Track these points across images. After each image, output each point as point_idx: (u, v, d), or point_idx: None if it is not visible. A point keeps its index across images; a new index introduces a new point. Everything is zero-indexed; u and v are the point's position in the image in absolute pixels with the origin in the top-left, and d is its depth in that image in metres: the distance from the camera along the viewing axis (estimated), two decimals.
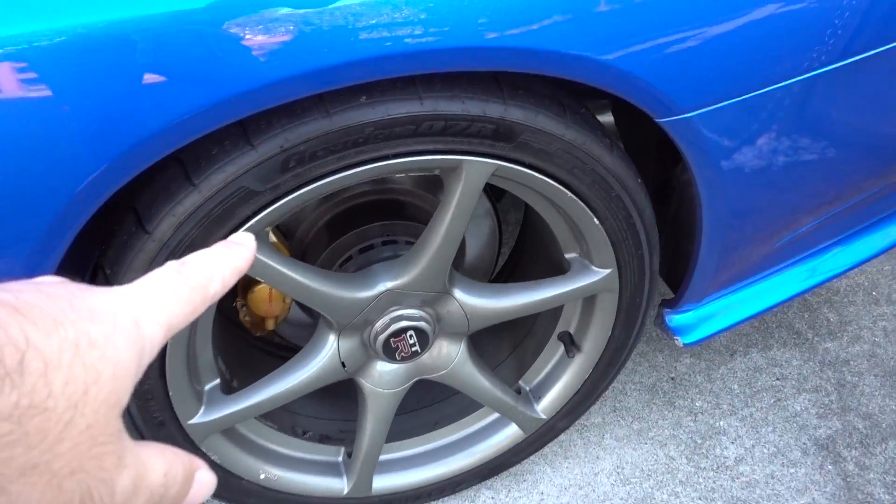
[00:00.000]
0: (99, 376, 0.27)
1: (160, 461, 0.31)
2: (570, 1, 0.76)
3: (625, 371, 1.57)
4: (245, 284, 1.11)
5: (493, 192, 1.27)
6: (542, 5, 0.76)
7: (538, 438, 1.28)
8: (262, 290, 1.10)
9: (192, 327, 0.98)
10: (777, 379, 1.58)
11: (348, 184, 0.87)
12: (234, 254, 0.37)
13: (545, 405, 1.24)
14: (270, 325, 1.16)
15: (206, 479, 0.34)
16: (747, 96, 0.93)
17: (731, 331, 1.66)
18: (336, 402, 1.30)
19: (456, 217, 0.93)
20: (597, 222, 1.01)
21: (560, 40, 0.79)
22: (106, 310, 0.29)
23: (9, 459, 0.24)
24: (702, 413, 1.51)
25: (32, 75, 0.64)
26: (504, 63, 0.80)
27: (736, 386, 1.56)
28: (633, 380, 1.56)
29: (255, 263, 0.90)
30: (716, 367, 1.60)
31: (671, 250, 1.25)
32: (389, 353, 1.06)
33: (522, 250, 1.37)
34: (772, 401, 1.54)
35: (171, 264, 0.35)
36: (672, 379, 1.57)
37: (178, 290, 0.33)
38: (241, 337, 1.28)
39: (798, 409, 1.52)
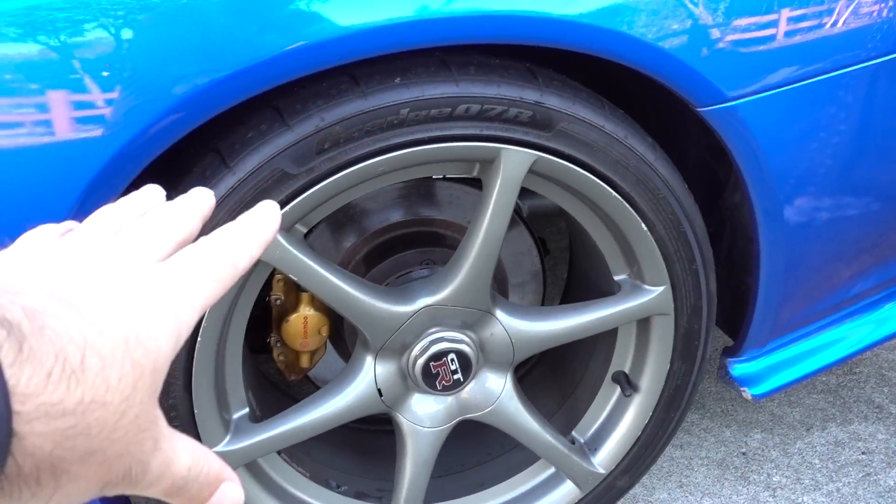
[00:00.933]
0: (143, 371, 0.29)
1: (187, 455, 0.32)
2: None
3: (690, 447, 1.44)
4: (279, 315, 1.07)
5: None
6: None
7: (597, 499, 1.15)
8: (296, 321, 1.06)
9: (219, 348, 0.93)
10: (862, 453, 1.42)
11: (384, 170, 0.85)
12: (261, 225, 0.37)
13: (602, 457, 1.13)
14: (305, 361, 1.10)
15: (230, 493, 0.34)
16: (806, 82, 0.91)
17: (805, 406, 1.52)
18: (375, 460, 1.20)
19: (495, 215, 0.90)
20: (644, 228, 0.96)
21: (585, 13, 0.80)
22: (148, 301, 0.31)
23: (72, 448, 0.27)
24: (781, 488, 1.35)
25: None
26: (547, 36, 0.80)
27: (817, 460, 1.40)
28: (700, 455, 1.42)
29: (294, 264, 0.87)
30: (792, 441, 1.45)
31: (728, 296, 1.18)
32: (429, 380, 0.99)
33: (569, 287, 1.31)
34: (860, 475, 1.37)
35: (202, 241, 0.35)
36: (743, 454, 1.42)
37: (210, 268, 0.34)
38: (276, 387, 1.22)
39: (892, 483, 1.35)
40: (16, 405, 0.25)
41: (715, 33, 0.86)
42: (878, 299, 1.32)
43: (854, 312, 1.29)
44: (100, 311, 0.28)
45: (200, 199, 0.38)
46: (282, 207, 0.83)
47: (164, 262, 0.33)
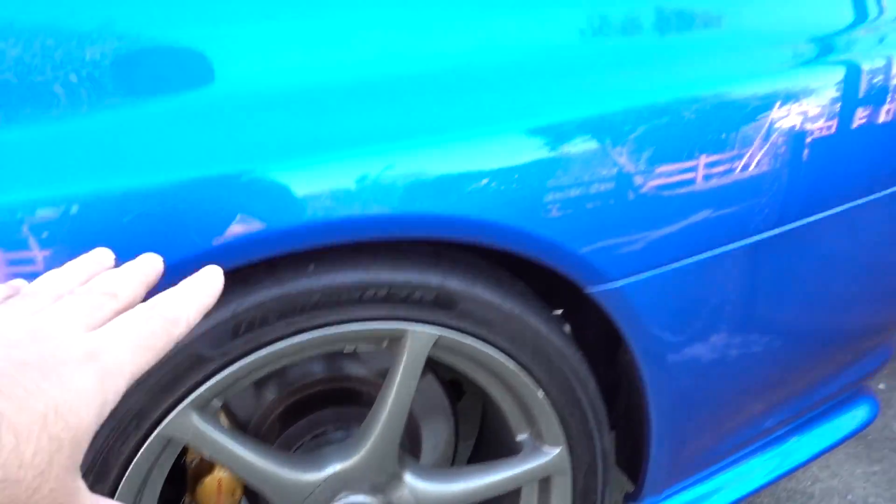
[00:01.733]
0: (62, 445, 0.29)
1: None
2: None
3: None
4: (194, 476, 1.09)
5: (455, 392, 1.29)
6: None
7: None
8: (210, 483, 1.08)
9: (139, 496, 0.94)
10: None
11: (298, 350, 0.91)
12: (202, 292, 0.38)
13: None
14: None
15: None
16: (682, 263, 1.02)
17: None
18: None
19: (402, 386, 0.96)
20: (541, 395, 1.03)
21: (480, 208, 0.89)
22: (72, 373, 0.30)
23: None
24: None
25: None
26: (442, 231, 0.89)
27: None
28: None
29: (203, 438, 0.90)
30: None
31: (629, 442, 1.26)
32: None
33: (479, 444, 1.36)
34: None
35: (139, 308, 0.35)
36: None
37: (143, 336, 0.34)
38: None
39: None
40: None
41: (595, 221, 0.96)
42: (782, 434, 1.43)
43: (757, 449, 1.39)
44: (19, 385, 0.28)
45: (146, 266, 0.38)
46: (196, 388, 0.87)
47: (96, 331, 0.33)
